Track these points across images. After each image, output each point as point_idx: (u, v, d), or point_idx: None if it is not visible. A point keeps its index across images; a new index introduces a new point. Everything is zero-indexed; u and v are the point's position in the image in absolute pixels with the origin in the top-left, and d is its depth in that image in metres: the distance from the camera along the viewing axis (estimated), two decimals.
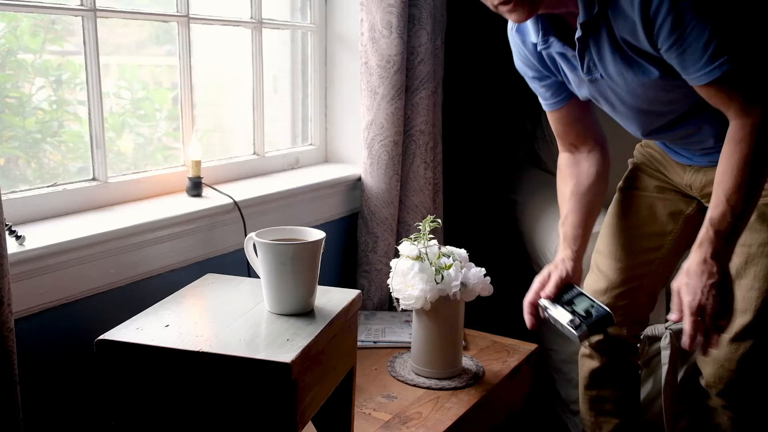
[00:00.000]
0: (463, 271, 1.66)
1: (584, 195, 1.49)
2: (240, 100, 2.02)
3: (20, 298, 1.29)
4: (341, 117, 2.25)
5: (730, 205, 1.21)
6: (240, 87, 2.01)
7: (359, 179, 2.12)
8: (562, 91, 1.47)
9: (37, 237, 1.36)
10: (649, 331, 1.93)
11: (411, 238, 1.69)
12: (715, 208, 1.24)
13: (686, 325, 1.23)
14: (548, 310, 1.37)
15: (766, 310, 1.38)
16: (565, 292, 1.39)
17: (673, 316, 1.26)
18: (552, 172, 1.65)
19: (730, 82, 1.18)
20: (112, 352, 1.14)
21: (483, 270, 1.70)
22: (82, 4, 1.53)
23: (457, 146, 2.70)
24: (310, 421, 1.33)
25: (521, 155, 2.79)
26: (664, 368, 1.88)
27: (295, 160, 2.17)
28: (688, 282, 1.24)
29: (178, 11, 1.75)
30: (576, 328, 1.31)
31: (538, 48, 1.36)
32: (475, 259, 1.74)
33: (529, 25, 1.36)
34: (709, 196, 1.51)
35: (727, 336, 1.38)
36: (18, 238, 1.31)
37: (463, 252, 1.72)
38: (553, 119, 1.53)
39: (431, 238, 1.68)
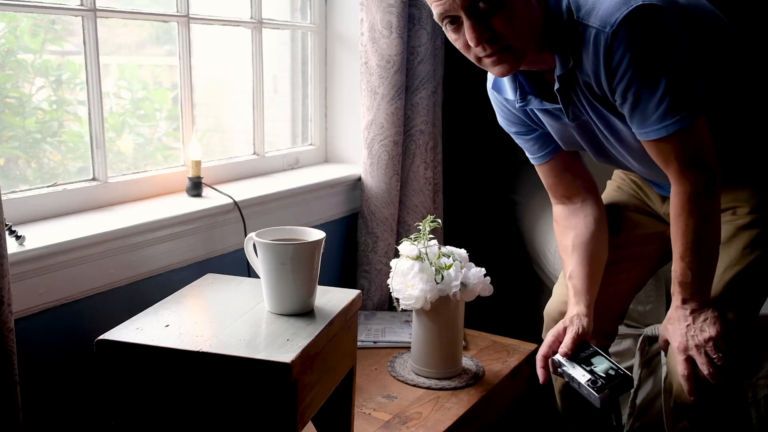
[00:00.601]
0: (463, 271, 1.66)
1: (587, 245, 1.47)
2: (240, 100, 2.02)
3: (20, 298, 1.29)
4: (341, 117, 2.25)
5: (686, 263, 1.27)
6: (240, 87, 2.01)
7: (359, 179, 2.12)
8: (548, 143, 1.47)
9: (37, 237, 1.36)
10: (649, 331, 1.93)
11: (411, 238, 1.69)
12: (675, 263, 1.29)
13: (681, 370, 1.29)
14: (564, 367, 1.33)
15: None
16: (581, 349, 1.35)
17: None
18: None
19: (671, 143, 1.21)
20: (112, 352, 1.14)
21: (483, 270, 1.70)
22: (82, 4, 1.53)
23: (457, 146, 2.69)
24: (310, 421, 1.33)
25: (521, 155, 2.78)
26: (664, 368, 1.88)
27: (295, 160, 2.17)
28: (671, 328, 1.31)
29: (178, 11, 1.75)
30: (597, 390, 1.27)
31: (517, 105, 1.37)
32: (475, 259, 1.74)
33: (506, 82, 1.37)
34: None
35: None
36: (18, 238, 1.31)
37: (463, 252, 1.72)
38: (542, 172, 1.53)
39: (431, 238, 1.68)
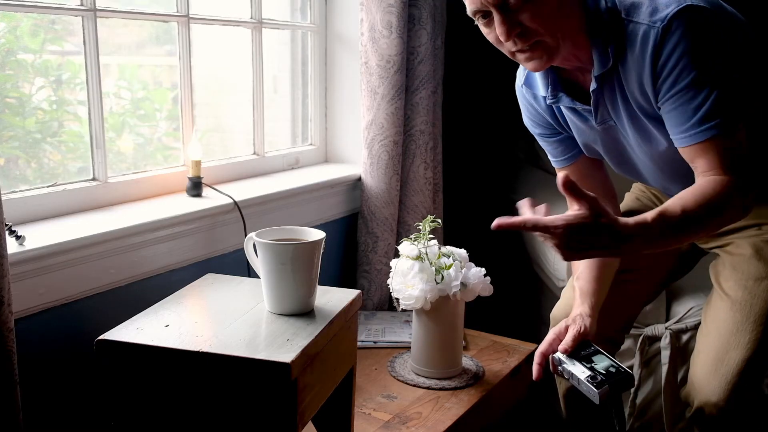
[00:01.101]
0: (463, 271, 1.66)
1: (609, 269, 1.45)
2: (240, 100, 2.02)
3: (20, 298, 1.29)
4: (341, 117, 2.25)
5: (680, 205, 1.14)
6: (240, 87, 2.01)
7: (359, 179, 2.12)
8: (572, 147, 1.46)
9: (37, 237, 1.36)
10: (649, 331, 1.93)
11: (411, 238, 1.69)
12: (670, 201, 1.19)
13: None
14: (564, 365, 1.33)
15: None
16: (582, 348, 1.34)
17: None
18: (552, 172, 1.64)
19: (710, 147, 1.17)
20: (112, 352, 1.14)
21: (483, 270, 1.70)
22: (82, 4, 1.53)
23: (457, 146, 2.70)
24: (310, 421, 1.33)
25: (521, 155, 2.79)
26: (664, 368, 1.88)
27: (295, 160, 2.17)
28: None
29: (178, 11, 1.75)
30: (597, 385, 1.26)
31: (547, 101, 1.35)
32: (475, 259, 1.74)
33: (538, 78, 1.35)
34: (714, 241, 1.50)
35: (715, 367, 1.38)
36: (18, 238, 1.31)
37: (463, 252, 1.72)
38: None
39: (431, 238, 1.68)
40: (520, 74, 1.43)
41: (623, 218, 1.11)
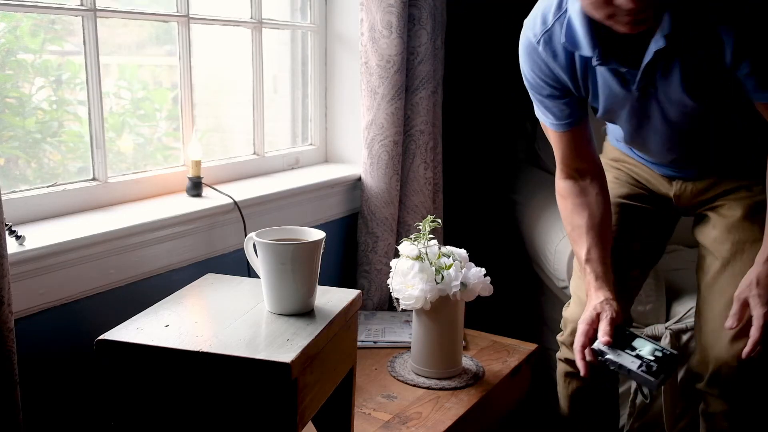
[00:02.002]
0: (463, 271, 1.66)
1: (600, 226, 1.45)
2: (240, 100, 2.02)
3: (20, 298, 1.29)
4: (341, 117, 2.25)
5: None
6: (240, 87, 2.01)
7: (359, 179, 2.12)
8: (577, 111, 1.42)
9: (37, 237, 1.36)
10: (649, 331, 1.93)
11: (411, 238, 1.69)
12: None
13: (755, 333, 1.25)
14: (608, 356, 1.28)
15: None
16: (619, 335, 1.31)
17: (730, 323, 1.29)
18: (552, 172, 1.64)
19: None
20: (112, 352, 1.14)
21: (483, 270, 1.70)
22: (82, 4, 1.53)
23: (457, 146, 2.70)
24: (310, 421, 1.33)
25: (521, 155, 2.79)
26: None
27: (295, 160, 2.17)
28: (759, 293, 1.27)
29: (178, 11, 1.75)
30: (654, 374, 1.23)
31: (593, 63, 1.28)
32: (475, 259, 1.74)
33: (582, 38, 1.27)
34: (702, 204, 1.52)
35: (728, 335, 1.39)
36: (18, 238, 1.31)
37: (463, 252, 1.72)
38: (561, 140, 1.45)
39: (431, 238, 1.68)
40: (539, 32, 1.34)
41: None
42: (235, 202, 1.71)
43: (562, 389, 1.67)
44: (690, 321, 1.88)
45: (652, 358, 1.26)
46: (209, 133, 1.98)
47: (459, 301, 1.66)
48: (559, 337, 1.63)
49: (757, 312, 1.27)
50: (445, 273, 1.63)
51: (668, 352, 1.27)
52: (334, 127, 2.27)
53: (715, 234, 1.48)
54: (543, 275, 2.26)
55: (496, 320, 2.21)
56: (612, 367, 1.29)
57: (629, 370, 1.26)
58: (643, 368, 1.24)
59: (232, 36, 1.99)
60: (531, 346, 1.90)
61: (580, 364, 1.34)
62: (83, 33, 1.54)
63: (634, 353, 1.27)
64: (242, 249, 1.33)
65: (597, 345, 1.31)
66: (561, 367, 1.66)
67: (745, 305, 1.30)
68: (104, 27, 1.59)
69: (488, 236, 2.68)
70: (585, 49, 1.28)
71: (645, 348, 1.28)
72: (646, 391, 1.36)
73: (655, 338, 1.91)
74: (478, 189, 2.86)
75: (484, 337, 1.96)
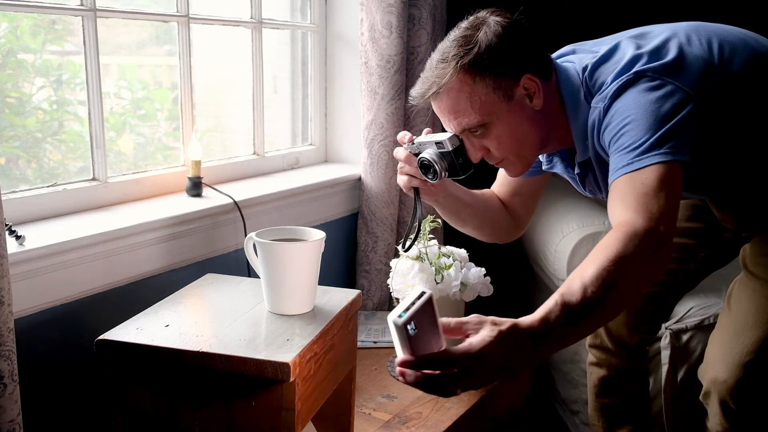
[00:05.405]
0: (463, 271, 1.66)
1: (480, 200, 1.52)
2: (240, 100, 2.02)
3: (20, 298, 1.29)
4: (341, 117, 2.25)
5: (581, 284, 1.01)
6: (240, 87, 2.01)
7: (359, 179, 2.12)
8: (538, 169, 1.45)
9: (37, 237, 1.36)
10: None
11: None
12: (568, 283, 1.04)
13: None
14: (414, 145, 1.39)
15: None
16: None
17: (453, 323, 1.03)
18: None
19: (628, 184, 1.08)
20: (112, 352, 1.14)
21: (483, 270, 1.70)
22: (82, 4, 1.53)
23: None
24: (310, 421, 1.33)
25: None
26: (664, 368, 1.88)
27: (295, 160, 2.17)
28: (487, 332, 1.00)
29: (178, 11, 1.75)
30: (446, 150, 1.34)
31: (543, 167, 1.40)
32: (475, 259, 1.75)
33: None
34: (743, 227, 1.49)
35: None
36: (18, 238, 1.31)
37: (463, 252, 1.72)
38: (507, 181, 1.52)
39: (431, 238, 1.68)
40: None
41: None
42: (235, 202, 1.71)
43: (588, 379, 1.70)
44: (690, 321, 1.88)
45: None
46: (209, 133, 1.98)
47: (459, 301, 1.66)
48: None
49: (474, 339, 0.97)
50: (445, 273, 1.63)
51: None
52: (334, 127, 2.27)
53: (750, 254, 1.43)
54: (543, 275, 2.26)
55: None
56: (419, 152, 1.39)
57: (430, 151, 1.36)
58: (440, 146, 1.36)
59: (232, 36, 1.99)
60: None
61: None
62: (83, 33, 1.54)
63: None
64: (242, 249, 1.33)
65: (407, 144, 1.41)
66: (588, 358, 1.71)
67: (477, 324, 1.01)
68: (104, 27, 1.59)
69: None
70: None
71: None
72: (439, 166, 1.39)
73: (656, 338, 1.91)
74: (477, 189, 2.85)
75: None
